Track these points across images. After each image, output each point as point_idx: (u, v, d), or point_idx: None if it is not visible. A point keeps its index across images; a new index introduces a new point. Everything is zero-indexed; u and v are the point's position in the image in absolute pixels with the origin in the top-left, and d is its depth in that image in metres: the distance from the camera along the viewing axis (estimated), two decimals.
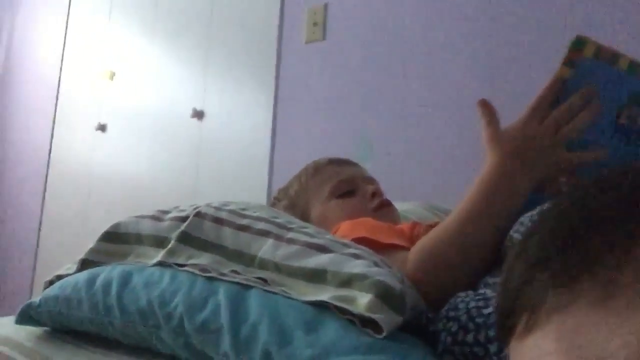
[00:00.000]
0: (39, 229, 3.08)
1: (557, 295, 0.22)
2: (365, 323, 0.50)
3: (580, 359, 0.20)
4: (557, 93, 0.65)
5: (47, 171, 3.11)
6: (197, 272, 0.62)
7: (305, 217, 0.93)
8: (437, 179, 1.70)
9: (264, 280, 0.59)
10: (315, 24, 2.08)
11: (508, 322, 0.26)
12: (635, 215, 0.22)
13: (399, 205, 1.01)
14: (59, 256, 2.82)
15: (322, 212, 0.93)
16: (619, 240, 0.21)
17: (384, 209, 0.90)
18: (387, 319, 0.49)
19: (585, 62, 0.64)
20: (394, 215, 0.93)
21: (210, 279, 0.61)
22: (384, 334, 0.48)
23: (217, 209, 0.70)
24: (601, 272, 0.21)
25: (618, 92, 0.64)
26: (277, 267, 0.60)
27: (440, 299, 0.60)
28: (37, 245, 3.07)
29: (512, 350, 0.26)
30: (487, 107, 0.69)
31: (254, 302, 0.55)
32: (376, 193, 0.93)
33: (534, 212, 0.58)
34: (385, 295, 0.51)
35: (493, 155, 0.66)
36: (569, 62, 0.65)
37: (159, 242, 0.70)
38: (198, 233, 0.67)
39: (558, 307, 0.22)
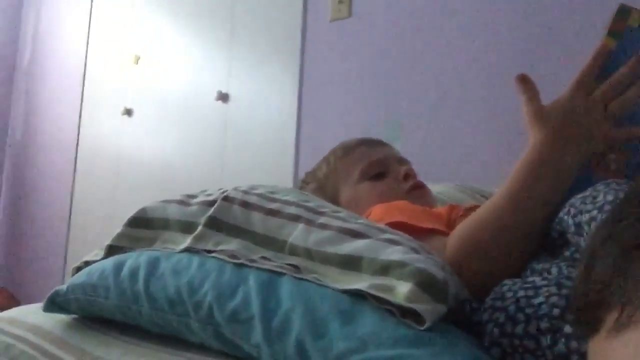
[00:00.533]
0: (70, 214, 3.13)
1: None
2: (405, 314, 0.47)
3: None
4: (602, 65, 0.61)
5: (76, 157, 3.15)
6: (226, 258, 0.60)
7: (334, 200, 0.90)
8: (470, 159, 1.65)
9: (296, 267, 0.56)
10: (340, 2, 2.02)
11: (594, 315, 0.23)
12: None
13: (431, 187, 0.97)
14: (89, 240, 2.86)
15: (352, 195, 0.90)
16: None
17: (417, 191, 0.86)
18: (429, 309, 0.46)
19: (631, 32, 0.60)
20: (429, 198, 0.89)
21: (240, 265, 0.58)
22: (427, 325, 0.45)
23: (245, 192, 0.67)
24: None
25: None
26: (309, 254, 0.57)
27: (482, 287, 0.57)
28: (68, 230, 3.12)
29: (598, 346, 0.23)
30: (527, 82, 0.64)
31: (286, 290, 0.53)
32: (409, 174, 0.89)
33: (586, 193, 0.53)
34: (426, 284, 0.47)
35: (537, 133, 0.61)
36: (613, 32, 0.61)
37: (187, 227, 0.68)
38: (226, 218, 0.65)
39: None
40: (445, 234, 0.66)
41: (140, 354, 0.60)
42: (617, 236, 0.23)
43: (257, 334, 0.50)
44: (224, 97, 2.35)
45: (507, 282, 0.51)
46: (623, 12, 0.60)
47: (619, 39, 0.61)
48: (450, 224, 0.74)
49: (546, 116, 0.61)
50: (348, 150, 0.94)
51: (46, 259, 3.23)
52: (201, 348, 0.57)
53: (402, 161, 0.93)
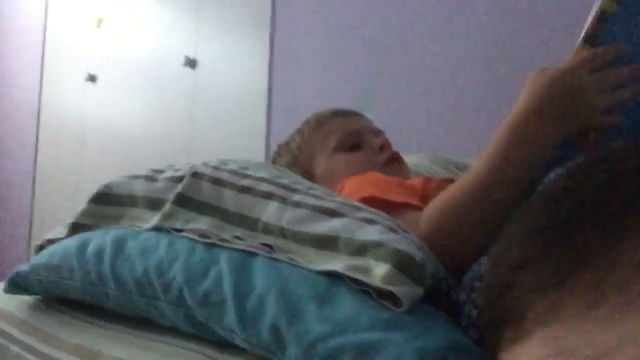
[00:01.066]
0: (33, 185, 3.03)
1: (541, 303, 0.20)
2: (382, 295, 0.46)
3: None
4: (597, 28, 0.58)
5: (38, 125, 3.03)
6: (196, 237, 0.57)
7: (308, 173, 0.87)
8: (443, 129, 1.64)
9: (270, 247, 0.54)
10: None
11: (493, 333, 0.24)
12: (624, 203, 0.20)
13: (405, 158, 0.95)
14: (55, 211, 2.78)
15: (327, 167, 0.87)
16: (607, 235, 0.19)
17: (393, 163, 0.85)
18: (406, 291, 0.45)
19: None
20: (405, 170, 0.88)
21: (211, 245, 0.56)
22: (404, 307, 0.44)
23: (216, 168, 0.64)
24: (588, 275, 0.19)
25: None
26: (283, 233, 0.55)
27: (458, 262, 0.56)
28: (32, 202, 3.03)
29: None
30: None
31: (260, 271, 0.51)
32: (384, 145, 0.87)
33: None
34: (404, 265, 0.46)
35: (527, 96, 0.59)
36: None
37: (154, 204, 0.65)
38: (196, 195, 0.62)
39: (543, 317, 0.20)
40: (418, 208, 0.65)
41: (108, 336, 0.58)
42: (507, 252, 0.23)
43: (230, 318, 0.49)
44: (191, 63, 2.28)
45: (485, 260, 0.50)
46: None
47: (621, 4, 0.58)
48: (425, 197, 0.73)
49: (541, 81, 0.58)
50: (322, 122, 0.92)
51: (10, 232, 3.14)
52: (172, 331, 0.56)
53: (377, 132, 0.91)
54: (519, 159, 0.58)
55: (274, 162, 0.93)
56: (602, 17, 0.58)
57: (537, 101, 0.57)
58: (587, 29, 0.59)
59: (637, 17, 0.57)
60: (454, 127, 1.63)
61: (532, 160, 0.58)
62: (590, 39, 0.59)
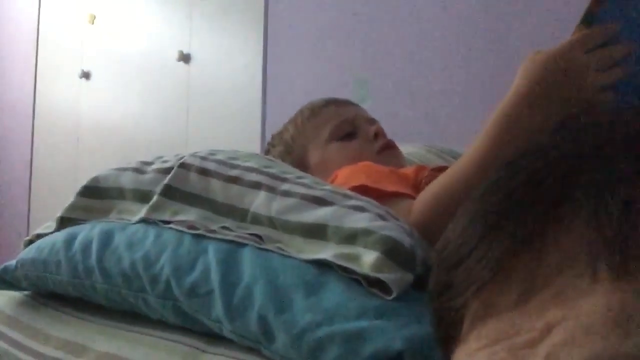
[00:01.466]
0: (30, 183, 3.02)
1: (476, 300, 0.22)
2: (372, 283, 0.45)
3: (507, 348, 0.20)
4: (594, 8, 0.56)
5: (33, 123, 3.02)
6: (183, 229, 0.57)
7: (302, 163, 0.86)
8: (439, 118, 1.63)
9: (258, 237, 0.53)
10: None
11: (441, 335, 0.24)
12: (546, 194, 0.21)
13: (400, 148, 0.94)
14: (51, 207, 2.77)
15: (321, 156, 0.86)
16: (533, 229, 0.20)
17: (388, 151, 0.84)
18: (396, 278, 0.44)
19: None
20: (399, 158, 0.87)
21: (199, 236, 0.55)
22: (394, 295, 0.43)
23: (204, 158, 0.63)
24: (518, 268, 0.20)
25: None
26: (272, 222, 0.54)
27: None
28: (29, 201, 3.02)
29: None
30: None
31: (248, 261, 0.50)
32: (379, 134, 0.86)
33: None
34: (393, 252, 0.45)
35: (519, 80, 0.57)
36: None
37: (142, 196, 0.64)
38: (183, 186, 0.61)
39: (479, 314, 0.21)
40: (410, 196, 0.64)
41: (96, 331, 0.57)
42: (443, 253, 0.24)
43: (218, 309, 0.48)
44: (185, 58, 2.26)
45: None
46: None
47: None
48: (418, 186, 0.72)
49: (535, 63, 0.57)
50: (316, 111, 0.90)
51: (7, 230, 3.13)
52: (160, 323, 0.55)
53: (371, 121, 0.90)
54: (510, 147, 0.57)
55: (267, 152, 0.92)
56: None
57: (529, 84, 0.56)
58: (585, 10, 0.58)
59: None
60: (450, 116, 1.62)
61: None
62: (587, 20, 0.58)
